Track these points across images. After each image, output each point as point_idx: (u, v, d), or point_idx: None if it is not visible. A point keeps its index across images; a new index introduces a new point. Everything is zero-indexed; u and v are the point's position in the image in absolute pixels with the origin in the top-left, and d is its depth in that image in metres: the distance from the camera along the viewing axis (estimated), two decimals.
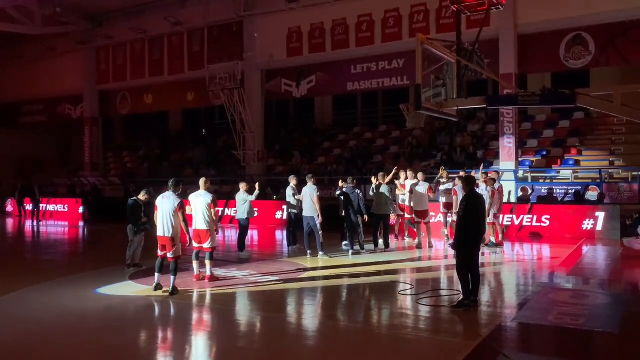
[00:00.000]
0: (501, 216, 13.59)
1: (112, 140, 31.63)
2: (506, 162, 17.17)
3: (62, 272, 10.46)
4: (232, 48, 22.16)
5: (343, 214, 12.23)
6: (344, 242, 12.64)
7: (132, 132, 32.42)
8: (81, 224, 21.73)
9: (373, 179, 13.16)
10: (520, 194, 16.51)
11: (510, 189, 16.33)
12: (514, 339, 6.56)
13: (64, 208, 23.95)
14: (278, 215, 18.72)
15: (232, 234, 13.20)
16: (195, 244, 9.14)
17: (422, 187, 12.73)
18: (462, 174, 13.15)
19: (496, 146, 18.24)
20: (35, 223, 22.21)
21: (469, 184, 7.66)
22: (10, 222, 23.26)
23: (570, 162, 17.50)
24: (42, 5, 21.81)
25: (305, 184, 11.93)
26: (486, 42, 15.85)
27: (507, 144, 17.19)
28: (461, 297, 7.38)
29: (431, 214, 13.40)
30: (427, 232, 12.90)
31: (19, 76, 28.55)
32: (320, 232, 11.62)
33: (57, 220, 23.28)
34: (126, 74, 25.46)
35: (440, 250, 12.85)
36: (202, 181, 9.40)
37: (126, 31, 24.35)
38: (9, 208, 26.21)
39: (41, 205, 23.60)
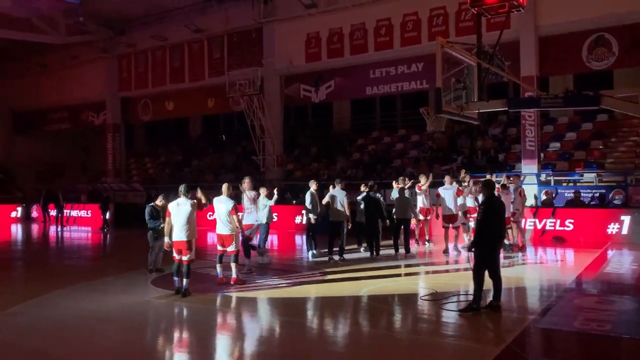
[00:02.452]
0: (523, 220, 13.40)
1: (134, 146, 32.05)
2: (528, 165, 16.96)
3: (86, 277, 10.61)
4: (251, 54, 22.33)
5: (363, 218, 12.21)
6: (363, 247, 12.59)
7: (154, 139, 32.81)
8: (106, 229, 22.01)
9: (394, 184, 13.11)
10: (543, 197, 16.28)
11: (532, 192, 16.13)
12: (539, 345, 6.46)
13: (87, 214, 24.30)
14: (297, 219, 18.75)
15: (254, 239, 13.23)
16: (219, 248, 9.29)
17: (450, 191, 12.60)
18: (488, 177, 13.03)
19: (518, 149, 18.04)
20: (59, 228, 22.58)
21: (488, 188, 7.60)
22: (35, 228, 23.70)
23: (594, 165, 17.21)
24: (65, 15, 22.22)
25: (326, 188, 11.95)
26: (507, 44, 15.65)
27: (529, 147, 16.98)
28: (472, 300, 7.32)
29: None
30: (455, 237, 12.74)
31: (43, 84, 29.15)
32: (345, 238, 11.64)
33: (81, 225, 23.63)
34: (147, 81, 25.81)
35: (464, 255, 12.71)
36: (224, 187, 9.52)
37: (147, 39, 24.69)
38: (34, 214, 26.69)
39: (65, 210, 23.97)
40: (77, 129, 30.09)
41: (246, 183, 11.16)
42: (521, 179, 14.68)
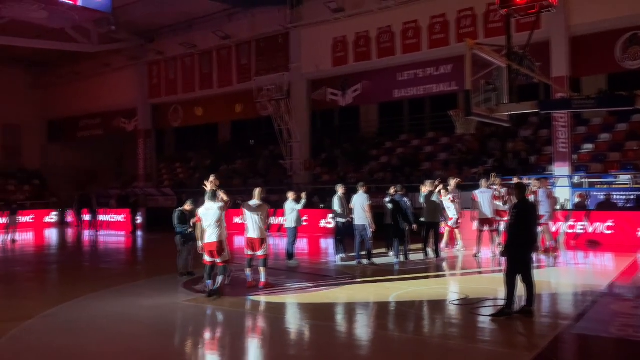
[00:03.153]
0: (551, 223, 13.10)
1: (165, 151, 32.59)
2: (560, 167, 16.61)
3: (118, 281, 10.81)
4: (278, 59, 22.49)
5: (391, 222, 12.14)
6: (392, 251, 12.52)
7: (184, 144, 33.29)
8: (139, 233, 22.43)
9: (422, 187, 13.00)
10: (577, 200, 15.92)
11: (565, 195, 15.80)
12: (574, 351, 6.31)
13: (118, 218, 24.78)
14: (323, 223, 18.78)
15: (280, 243, 13.33)
16: (248, 252, 9.37)
17: (486, 194, 12.43)
18: (515, 180, 12.81)
19: (550, 151, 17.70)
20: (92, 233, 23.09)
21: (520, 191, 7.49)
22: (69, 232, 24.29)
23: (629, 167, 16.74)
24: (98, 25, 22.79)
25: (354, 192, 11.94)
26: (537, 45, 15.41)
27: (561, 149, 16.64)
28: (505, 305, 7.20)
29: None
30: (491, 240, 12.56)
31: (76, 92, 29.92)
32: (371, 242, 11.61)
33: (113, 229, 24.11)
34: (177, 88, 26.23)
35: (497, 259, 12.51)
36: (256, 191, 9.63)
37: (176, 46, 25.12)
38: (69, 219, 27.36)
39: (98, 215, 24.50)
40: (109, 135, 30.73)
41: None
42: (550, 181, 14.38)
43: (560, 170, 16.57)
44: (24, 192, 28.78)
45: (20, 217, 21.29)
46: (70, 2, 11.67)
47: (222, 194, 8.82)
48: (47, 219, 26.88)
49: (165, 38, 25.95)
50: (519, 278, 7.17)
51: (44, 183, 31.16)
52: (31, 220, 25.56)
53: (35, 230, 24.54)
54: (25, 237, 21.35)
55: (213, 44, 24.10)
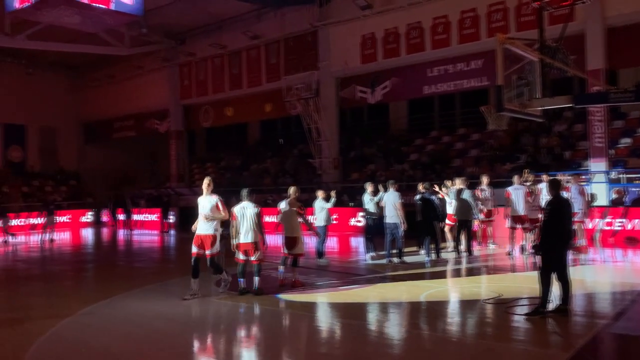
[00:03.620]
0: (587, 220, 12.76)
1: (196, 152, 33.04)
2: (597, 163, 16.18)
3: (152, 279, 11.03)
4: (307, 58, 22.53)
5: (421, 219, 12.04)
6: (423, 249, 12.41)
7: (214, 144, 33.69)
8: (172, 232, 22.83)
9: (448, 183, 12.88)
10: (614, 196, 15.47)
11: (602, 191, 15.37)
12: (612, 352, 6.15)
13: (153, 217, 25.23)
14: (353, 222, 18.75)
15: (310, 241, 13.36)
16: (286, 251, 9.45)
17: (520, 191, 12.22)
18: (544, 177, 12.55)
19: (585, 146, 17.25)
20: (127, 232, 23.60)
21: (555, 187, 7.33)
22: (104, 232, 24.89)
23: None
24: (130, 28, 23.26)
25: (384, 190, 11.90)
26: (571, 38, 14.97)
27: (597, 144, 16.20)
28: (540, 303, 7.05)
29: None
30: (526, 238, 12.34)
31: (110, 95, 30.60)
32: (402, 240, 11.56)
33: (147, 229, 24.58)
34: (208, 89, 26.55)
35: (531, 257, 12.27)
36: (292, 190, 9.70)
37: (207, 47, 25.42)
38: (104, 218, 28.02)
39: (132, 214, 25.02)
40: (143, 137, 31.32)
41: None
42: (586, 177, 14.01)
43: (597, 165, 16.14)
44: (61, 193, 29.58)
45: (57, 217, 21.90)
46: (103, 7, 11.89)
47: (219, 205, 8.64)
48: (83, 219, 27.57)
49: (195, 39, 26.28)
50: (554, 276, 7.03)
51: (81, 183, 31.99)
52: (68, 220, 26.26)
53: (72, 230, 25.22)
54: (62, 237, 21.96)
55: (242, 44, 24.29)
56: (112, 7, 12.02)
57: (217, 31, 25.21)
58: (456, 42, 18.73)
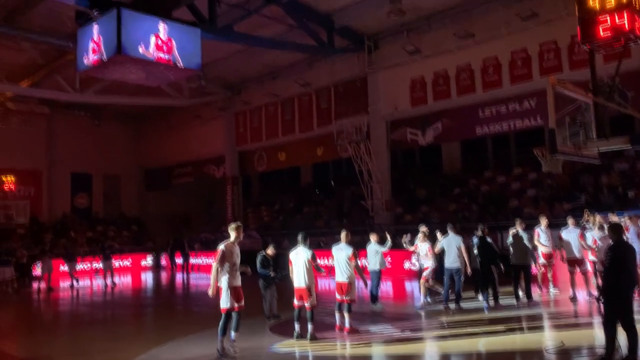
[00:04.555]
0: None
1: (251, 196, 33.78)
2: None
3: (209, 324, 11.18)
4: (357, 102, 22.92)
5: (478, 264, 11.78)
6: (480, 295, 12.09)
7: (268, 188, 34.38)
8: None
9: (511, 230, 12.57)
10: None
11: None
12: None
13: (210, 261, 25.64)
14: (408, 265, 18.51)
15: (364, 286, 13.27)
16: (337, 296, 9.46)
17: (574, 233, 11.82)
18: (611, 216, 12.09)
19: None
20: (185, 276, 24.16)
21: (615, 232, 7.08)
22: (163, 275, 25.58)
23: None
24: (189, 80, 24.50)
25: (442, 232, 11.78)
26: (629, 74, 14.69)
27: None
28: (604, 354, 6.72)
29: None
30: (587, 283, 11.85)
31: (170, 143, 32.00)
32: (462, 285, 11.32)
33: (204, 272, 25.05)
34: (262, 135, 27.35)
35: (594, 303, 11.71)
36: (343, 234, 9.77)
37: (261, 96, 26.36)
38: (163, 262, 28.84)
39: (190, 258, 25.63)
40: (200, 182, 32.38)
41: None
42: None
43: None
44: (123, 238, 30.79)
45: (115, 261, 22.57)
46: (167, 64, 12.69)
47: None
48: (143, 263, 28.47)
49: (250, 88, 27.32)
50: (619, 325, 6.71)
51: (142, 228, 33.21)
52: (129, 264, 27.18)
53: (133, 274, 26.06)
54: (123, 280, 22.73)
55: (294, 92, 25.04)
56: (174, 63, 12.76)
57: (271, 80, 26.15)
58: (508, 82, 18.62)
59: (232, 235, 8.27)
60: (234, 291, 8.09)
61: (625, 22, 8.22)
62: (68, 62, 19.95)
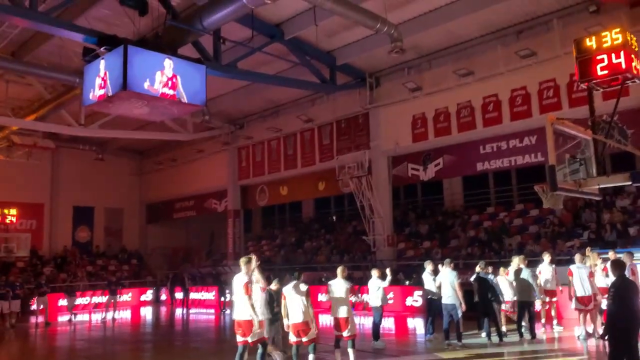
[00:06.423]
0: None
1: (252, 230, 33.71)
2: None
3: None
4: (358, 138, 23.13)
5: (479, 300, 11.70)
6: (483, 332, 11.94)
7: (270, 222, 34.36)
8: (227, 311, 22.86)
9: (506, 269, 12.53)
10: None
11: None
12: None
13: (210, 296, 25.44)
14: (409, 302, 18.31)
15: (365, 322, 13.13)
16: (336, 332, 9.36)
17: (583, 270, 11.75)
18: (611, 254, 12.02)
19: None
20: (184, 311, 23.89)
21: (618, 268, 7.06)
22: (162, 310, 25.29)
23: None
24: (193, 115, 24.81)
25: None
26: (629, 112, 14.85)
27: None
28: None
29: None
30: (593, 321, 11.70)
31: (172, 177, 32.16)
32: (461, 321, 11.20)
33: (203, 307, 24.79)
34: (264, 169, 27.48)
35: (601, 342, 11.53)
36: (339, 270, 9.73)
37: (263, 131, 26.62)
38: (163, 296, 28.56)
39: (189, 293, 25.38)
40: (202, 216, 32.37)
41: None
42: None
43: None
44: (123, 272, 30.57)
45: (119, 296, 22.49)
46: (171, 99, 12.89)
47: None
48: (143, 297, 28.18)
49: (253, 124, 27.62)
50: None
51: (142, 262, 33.04)
52: (129, 299, 26.91)
53: (133, 308, 25.78)
54: (123, 315, 22.48)
55: (297, 127, 25.29)
56: (179, 99, 12.97)
57: (274, 115, 26.47)
58: (508, 119, 18.79)
59: (243, 269, 8.57)
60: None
61: (622, 61, 8.39)
62: (74, 97, 20.25)
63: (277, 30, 18.22)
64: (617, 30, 8.78)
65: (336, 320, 9.40)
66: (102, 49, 13.06)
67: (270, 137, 26.68)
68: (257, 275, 8.95)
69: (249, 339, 8.43)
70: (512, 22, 18.02)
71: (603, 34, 8.83)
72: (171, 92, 12.77)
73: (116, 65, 12.19)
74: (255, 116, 27.27)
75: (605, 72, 8.52)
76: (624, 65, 8.39)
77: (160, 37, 13.73)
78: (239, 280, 8.48)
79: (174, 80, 12.80)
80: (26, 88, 21.97)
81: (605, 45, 8.67)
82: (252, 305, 8.34)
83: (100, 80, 12.65)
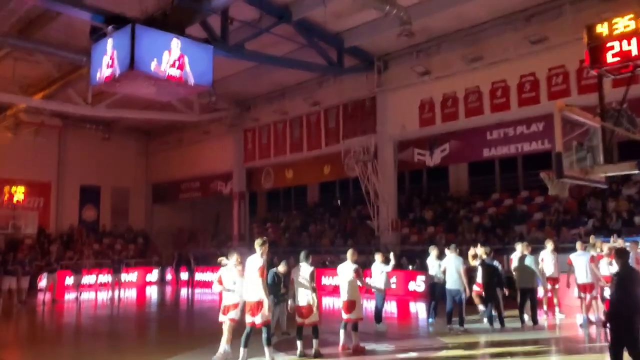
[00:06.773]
0: None
1: (257, 212, 33.84)
2: None
3: (213, 339, 11.18)
4: (365, 122, 23.04)
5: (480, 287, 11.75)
6: (485, 317, 12.01)
7: (275, 205, 34.46)
8: None
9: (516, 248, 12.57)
10: None
11: None
12: None
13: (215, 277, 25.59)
14: (411, 286, 18.40)
15: (368, 305, 13.23)
16: (344, 315, 9.47)
17: (583, 258, 11.76)
18: (613, 241, 12.04)
19: None
20: (189, 291, 24.12)
21: (621, 256, 7.07)
22: (168, 290, 25.53)
23: None
24: (199, 96, 24.76)
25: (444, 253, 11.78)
26: (638, 100, 14.68)
27: None
28: None
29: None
30: (595, 308, 11.75)
31: (178, 158, 32.23)
32: (464, 307, 11.28)
33: (209, 287, 24.98)
34: (270, 152, 27.49)
35: (602, 329, 11.59)
36: (349, 252, 9.83)
37: (270, 113, 26.56)
38: (168, 276, 28.81)
39: (195, 273, 25.59)
40: (207, 198, 32.49)
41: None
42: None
43: None
44: (129, 251, 30.82)
45: (125, 275, 22.72)
46: (178, 80, 12.87)
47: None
48: (149, 277, 28.44)
49: (260, 106, 27.55)
50: (625, 351, 6.66)
51: (148, 242, 33.27)
52: (134, 279, 27.17)
53: (138, 288, 26.04)
54: (128, 295, 22.72)
55: (303, 110, 25.21)
56: (186, 79, 12.94)
57: (280, 98, 26.37)
58: (516, 105, 18.67)
59: (258, 250, 8.60)
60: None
61: (634, 48, 8.28)
62: (81, 76, 20.25)
63: (285, 11, 18.08)
64: (630, 16, 8.66)
65: (343, 303, 9.52)
66: (109, 27, 13.01)
67: (276, 119, 26.62)
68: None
69: (256, 320, 8.52)
70: (523, 6, 17.78)
71: (615, 20, 8.71)
72: (178, 72, 12.73)
73: (124, 44, 12.15)
74: (262, 98, 27.18)
75: (617, 59, 8.41)
76: (635, 52, 8.28)
77: (168, 17, 13.64)
78: (253, 262, 8.53)
79: (181, 60, 12.76)
80: (34, 66, 21.94)
81: (616, 31, 8.56)
82: (265, 289, 8.41)
83: (108, 59, 12.63)
